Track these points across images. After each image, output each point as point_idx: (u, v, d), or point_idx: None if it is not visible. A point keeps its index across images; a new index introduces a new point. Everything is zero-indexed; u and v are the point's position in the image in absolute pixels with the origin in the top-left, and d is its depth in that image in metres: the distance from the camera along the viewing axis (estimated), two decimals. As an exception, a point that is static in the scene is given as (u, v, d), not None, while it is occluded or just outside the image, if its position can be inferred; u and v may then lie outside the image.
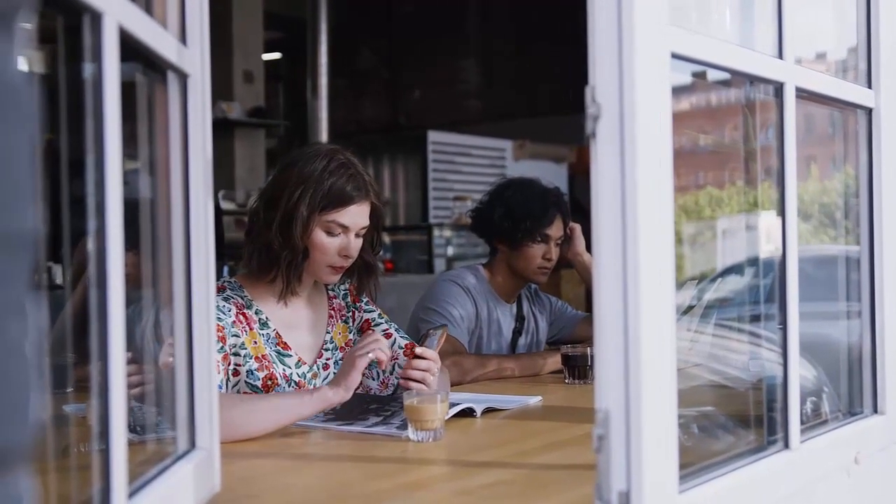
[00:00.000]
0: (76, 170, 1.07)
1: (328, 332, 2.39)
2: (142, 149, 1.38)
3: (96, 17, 1.01)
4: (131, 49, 1.13)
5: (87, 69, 1.04)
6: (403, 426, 1.95)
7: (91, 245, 1.04)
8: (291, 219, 2.20)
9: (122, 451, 1.04)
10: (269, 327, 2.27)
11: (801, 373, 1.60)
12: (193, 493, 1.34)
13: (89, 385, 1.10)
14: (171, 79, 1.36)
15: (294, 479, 1.69)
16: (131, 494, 1.11)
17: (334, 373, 2.33)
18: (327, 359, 2.37)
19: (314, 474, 1.73)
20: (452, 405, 2.08)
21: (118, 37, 1.05)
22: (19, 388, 0.58)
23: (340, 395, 2.00)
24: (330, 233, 2.23)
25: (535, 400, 2.40)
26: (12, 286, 0.58)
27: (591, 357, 2.70)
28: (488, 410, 2.22)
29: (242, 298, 2.26)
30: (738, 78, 1.64)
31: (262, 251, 2.24)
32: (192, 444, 1.40)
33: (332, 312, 2.42)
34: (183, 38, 1.38)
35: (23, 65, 0.61)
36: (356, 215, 2.25)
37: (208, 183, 1.42)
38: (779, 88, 1.56)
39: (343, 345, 2.41)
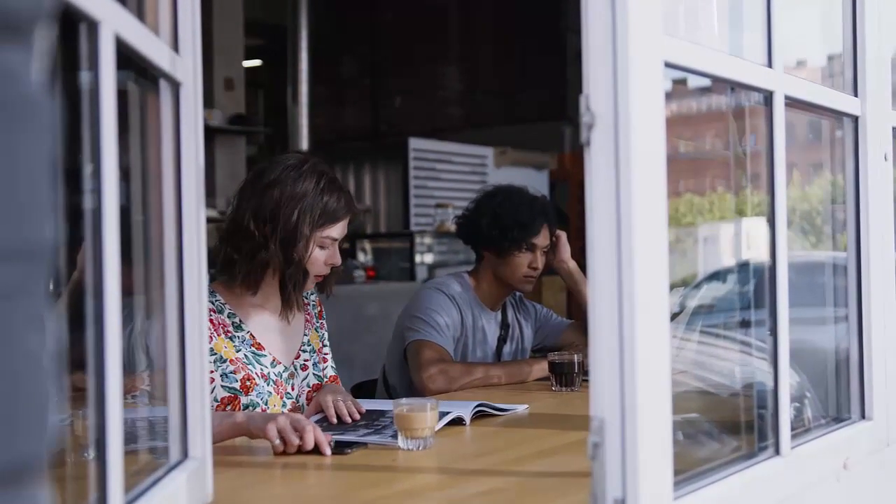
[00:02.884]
0: (70, 178, 1.06)
1: (305, 335, 2.46)
2: (133, 157, 1.37)
3: (93, 26, 1.01)
4: (125, 57, 1.13)
5: (83, 77, 1.03)
6: (396, 436, 1.95)
7: (87, 254, 1.03)
8: (294, 240, 2.26)
9: (118, 461, 1.03)
10: (243, 330, 2.32)
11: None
12: (187, 503, 1.33)
13: (77, 394, 1.10)
14: (164, 87, 1.36)
15: (286, 488, 1.68)
16: (127, 505, 1.10)
17: (313, 373, 2.43)
18: (305, 360, 2.43)
19: (306, 484, 1.72)
20: (442, 414, 2.08)
21: (114, 45, 1.05)
22: (38, 400, 0.58)
23: (249, 425, 1.95)
24: (322, 247, 2.32)
25: (522, 408, 2.40)
26: (31, 298, 0.58)
27: (578, 364, 2.70)
28: (479, 414, 2.23)
29: (213, 303, 2.28)
30: (720, 85, 1.65)
31: (259, 268, 2.28)
32: (185, 454, 1.39)
33: (308, 317, 2.49)
34: (175, 46, 1.37)
35: (41, 75, 0.61)
36: (343, 227, 2.35)
37: (201, 191, 1.42)
38: (768, 97, 1.56)
39: (317, 349, 2.48)
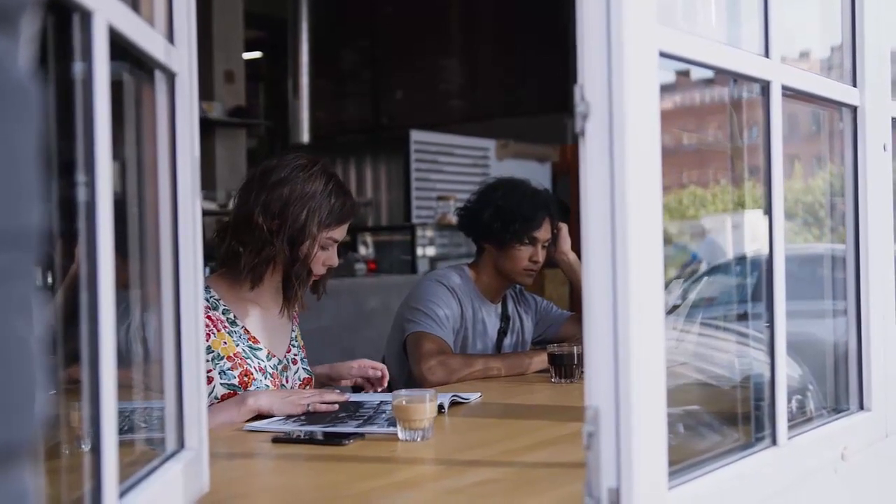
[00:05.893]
0: (64, 170, 1.06)
1: (293, 331, 2.51)
2: (128, 149, 1.37)
3: (86, 16, 1.01)
4: (119, 48, 1.13)
5: (76, 68, 1.03)
6: (390, 424, 1.95)
7: (80, 246, 1.03)
8: (302, 238, 2.30)
9: (113, 451, 1.04)
10: (237, 325, 2.34)
11: (786, 371, 1.61)
12: (183, 494, 1.34)
13: (75, 386, 1.10)
14: (159, 78, 1.36)
15: (283, 479, 1.68)
16: (121, 494, 1.10)
17: (302, 368, 2.48)
18: (295, 354, 2.49)
19: (303, 475, 1.72)
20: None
21: (108, 35, 1.04)
22: (26, 384, 0.59)
23: (261, 402, 2.16)
24: (324, 247, 2.36)
25: (475, 396, 2.42)
26: (19, 282, 0.58)
27: (578, 356, 2.70)
28: (454, 404, 2.28)
29: (208, 300, 2.29)
30: (723, 76, 1.65)
31: (264, 263, 2.31)
32: (181, 445, 1.40)
33: (295, 315, 2.54)
34: (170, 36, 1.37)
35: (27, 64, 0.61)
36: (345, 230, 2.41)
37: (196, 183, 1.42)
38: (765, 87, 1.56)
39: (302, 345, 2.54)
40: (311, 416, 2.12)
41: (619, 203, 1.19)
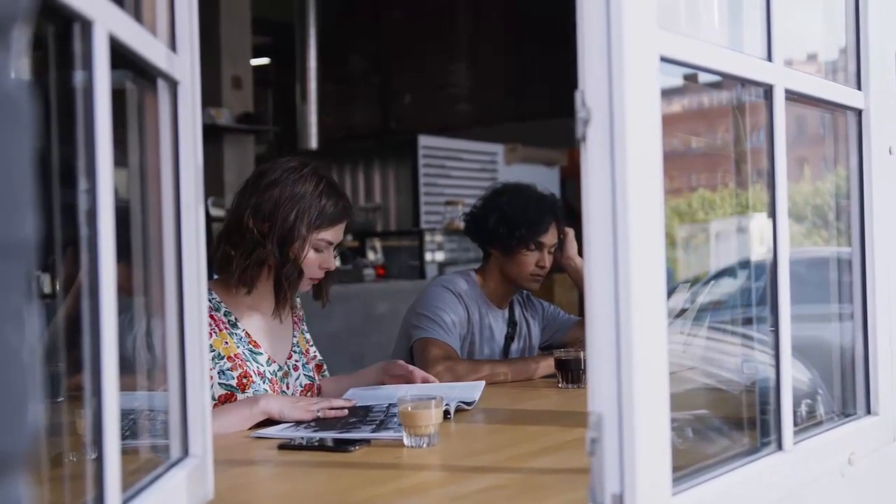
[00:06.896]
0: (66, 178, 1.06)
1: (294, 337, 2.51)
2: (132, 157, 1.38)
3: (87, 25, 1.01)
4: (121, 56, 1.13)
5: (78, 77, 1.03)
6: (398, 430, 1.95)
7: (83, 254, 1.03)
8: (291, 238, 2.30)
9: (115, 458, 1.04)
10: (238, 328, 2.35)
11: (795, 375, 1.61)
12: (187, 501, 1.34)
13: (81, 394, 1.10)
14: (161, 86, 1.36)
15: (288, 486, 1.68)
16: (125, 502, 1.11)
17: (304, 374, 2.48)
18: (296, 361, 2.48)
19: (308, 481, 1.72)
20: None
21: (108, 44, 1.05)
22: (18, 394, 0.59)
23: (271, 406, 2.13)
24: (317, 249, 2.36)
25: (479, 389, 2.43)
26: (11, 293, 0.59)
27: (585, 361, 2.69)
28: (459, 410, 2.27)
29: (210, 301, 2.30)
30: (729, 80, 1.64)
31: (255, 265, 2.31)
32: (186, 452, 1.40)
33: (296, 320, 2.54)
34: (173, 45, 1.38)
35: (20, 73, 0.61)
36: (340, 232, 2.40)
37: (199, 190, 1.42)
38: (768, 91, 1.56)
39: (305, 350, 2.53)
40: (321, 423, 2.12)
41: (620, 208, 1.19)
